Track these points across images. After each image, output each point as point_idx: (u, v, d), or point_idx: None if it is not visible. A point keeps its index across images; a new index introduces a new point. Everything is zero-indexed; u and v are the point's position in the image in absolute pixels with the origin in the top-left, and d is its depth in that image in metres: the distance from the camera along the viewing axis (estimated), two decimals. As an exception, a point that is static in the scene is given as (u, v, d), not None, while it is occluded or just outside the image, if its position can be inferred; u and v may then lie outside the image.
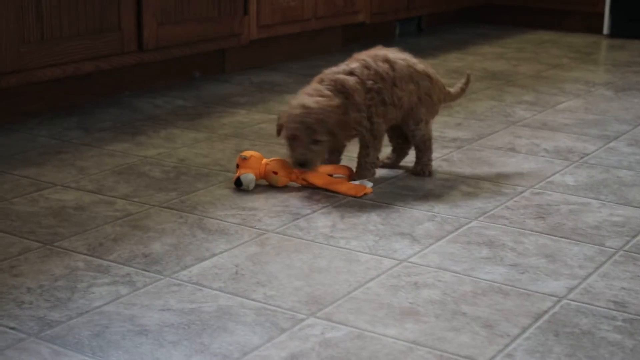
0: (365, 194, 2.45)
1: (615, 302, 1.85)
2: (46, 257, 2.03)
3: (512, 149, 2.93)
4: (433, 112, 2.64)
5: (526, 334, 1.71)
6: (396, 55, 2.56)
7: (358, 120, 2.45)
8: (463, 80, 2.77)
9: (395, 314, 1.78)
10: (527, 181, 2.60)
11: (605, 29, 5.25)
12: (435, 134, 3.04)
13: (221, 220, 2.27)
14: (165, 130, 3.10)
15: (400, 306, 1.82)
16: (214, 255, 2.06)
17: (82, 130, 3.07)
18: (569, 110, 3.47)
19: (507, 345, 1.67)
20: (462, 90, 2.76)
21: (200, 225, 2.23)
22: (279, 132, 2.50)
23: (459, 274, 1.98)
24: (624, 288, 1.92)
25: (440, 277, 1.96)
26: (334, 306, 1.82)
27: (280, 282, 1.92)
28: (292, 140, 2.41)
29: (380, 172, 2.64)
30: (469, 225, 2.26)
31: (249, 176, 2.47)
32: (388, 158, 2.70)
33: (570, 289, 1.91)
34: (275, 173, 2.49)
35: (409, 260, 2.05)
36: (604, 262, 2.05)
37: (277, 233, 2.19)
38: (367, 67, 2.49)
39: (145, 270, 1.97)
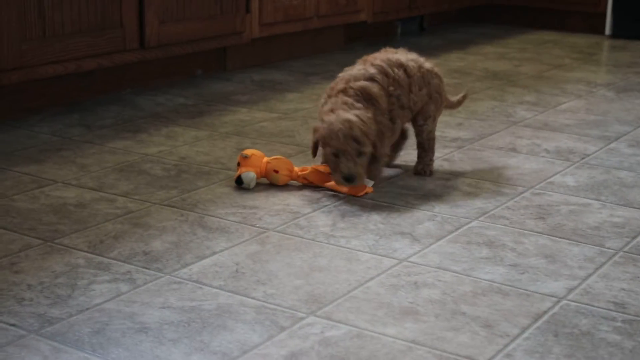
0: (366, 193, 2.45)
1: (615, 303, 1.85)
2: (47, 254, 2.03)
3: (513, 149, 2.93)
4: (440, 110, 2.67)
5: (525, 334, 1.72)
6: (407, 57, 2.57)
7: (384, 123, 2.46)
8: (462, 94, 2.80)
9: (395, 314, 1.79)
10: (527, 181, 2.61)
11: (607, 30, 5.25)
12: (436, 133, 3.04)
13: (222, 218, 2.27)
14: (166, 128, 3.10)
15: (400, 305, 1.82)
16: (214, 253, 2.06)
17: (84, 128, 3.07)
18: (570, 110, 3.47)
19: (506, 346, 1.67)
20: (459, 103, 2.81)
21: (200, 223, 2.23)
22: (314, 150, 2.45)
23: (459, 273, 1.98)
24: (623, 289, 1.92)
25: (440, 276, 1.96)
26: (333, 305, 1.82)
27: (281, 281, 1.92)
28: (338, 156, 2.37)
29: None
30: (469, 225, 2.26)
31: (249, 174, 2.47)
32: (387, 155, 2.70)
33: (570, 290, 1.91)
34: (276, 172, 2.49)
35: (409, 259, 2.05)
36: (604, 263, 2.05)
37: (278, 232, 2.19)
38: (385, 73, 2.49)
39: (146, 268, 1.97)
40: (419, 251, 2.09)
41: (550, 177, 2.66)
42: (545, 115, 3.38)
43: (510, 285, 1.92)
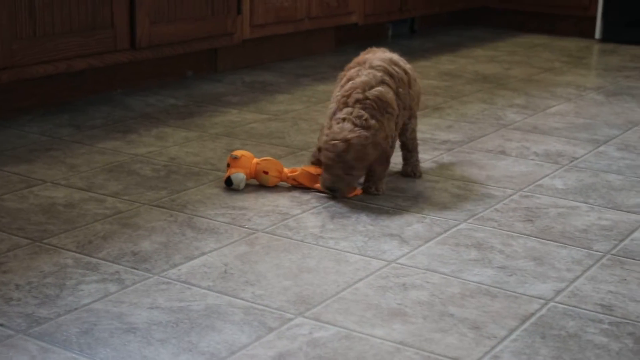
0: (355, 195, 2.46)
1: (602, 305, 1.86)
2: (35, 254, 2.03)
3: (502, 152, 2.94)
4: (418, 107, 2.69)
5: (513, 336, 1.72)
6: (395, 55, 2.58)
7: (394, 130, 2.46)
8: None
9: (383, 315, 1.79)
10: (516, 184, 2.62)
11: (597, 34, 5.27)
12: (425, 136, 3.05)
13: (211, 219, 2.27)
14: (156, 128, 3.10)
15: (388, 307, 1.82)
16: (203, 254, 2.06)
17: (73, 128, 3.07)
18: (560, 114, 3.48)
19: (494, 347, 1.68)
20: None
21: (190, 224, 2.23)
22: (315, 158, 2.46)
23: (447, 275, 1.98)
24: (610, 291, 1.93)
25: (429, 278, 1.97)
26: (322, 306, 1.82)
27: (269, 282, 1.92)
28: (328, 167, 2.38)
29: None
30: (458, 227, 2.27)
31: (239, 175, 2.47)
32: None
33: (558, 292, 1.92)
34: (266, 173, 2.49)
35: (398, 261, 2.05)
36: (592, 266, 2.06)
37: (267, 233, 2.20)
38: (390, 74, 2.49)
39: (134, 269, 1.97)
40: (408, 253, 2.10)
41: (539, 179, 2.67)
42: (535, 119, 3.39)
43: (499, 287, 1.93)
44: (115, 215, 2.28)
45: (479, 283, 1.95)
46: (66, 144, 2.89)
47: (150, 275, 1.94)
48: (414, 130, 2.64)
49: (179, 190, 2.48)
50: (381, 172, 2.44)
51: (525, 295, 1.90)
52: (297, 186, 2.51)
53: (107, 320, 1.73)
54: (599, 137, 3.15)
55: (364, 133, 2.35)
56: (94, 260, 2.01)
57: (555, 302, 1.87)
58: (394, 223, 2.28)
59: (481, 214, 2.36)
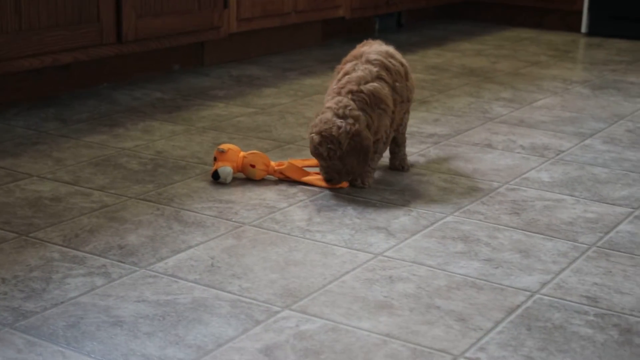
0: (341, 187, 2.46)
1: (588, 297, 1.87)
2: (21, 247, 2.03)
3: (489, 145, 2.95)
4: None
5: (499, 328, 1.73)
6: (391, 48, 2.59)
7: (387, 127, 2.46)
8: None
9: (370, 307, 1.80)
10: (502, 177, 2.62)
11: (584, 27, 5.28)
12: (412, 129, 3.06)
13: (198, 212, 2.27)
14: (143, 122, 3.09)
15: (374, 299, 1.83)
16: (189, 247, 2.06)
17: (60, 122, 3.06)
18: (546, 107, 3.49)
19: (480, 339, 1.69)
20: None
21: (176, 218, 2.23)
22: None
23: (434, 268, 1.99)
24: (596, 283, 1.94)
25: (415, 271, 1.97)
26: (309, 299, 1.82)
27: (256, 275, 1.93)
28: (315, 158, 2.43)
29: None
30: (445, 220, 2.28)
31: (226, 169, 2.47)
32: None
33: (544, 284, 1.93)
34: (253, 166, 2.49)
35: (384, 254, 2.06)
36: (577, 258, 2.07)
37: (254, 226, 2.20)
38: (386, 68, 2.48)
39: (121, 262, 1.97)
40: (394, 246, 2.11)
41: (525, 172, 2.68)
42: (521, 112, 3.40)
43: (485, 280, 1.94)
44: (101, 209, 2.27)
45: (465, 275, 1.96)
46: (52, 137, 2.88)
47: (137, 268, 1.94)
48: (405, 125, 2.64)
49: (165, 184, 2.47)
50: (356, 165, 2.39)
51: (511, 287, 1.91)
52: (284, 179, 2.51)
53: (93, 314, 1.73)
54: (584, 131, 3.17)
55: (338, 123, 2.36)
56: (80, 253, 2.01)
57: (541, 294, 1.88)
58: (381, 216, 2.29)
59: (467, 207, 2.37)
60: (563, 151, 2.91)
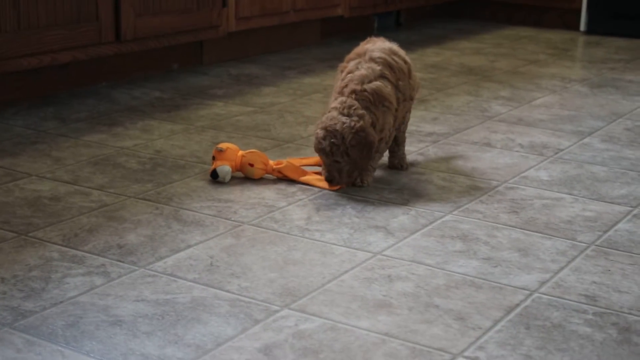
0: (340, 187, 2.46)
1: (586, 296, 1.87)
2: (21, 247, 2.03)
3: (488, 144, 2.95)
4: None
5: (498, 327, 1.73)
6: (394, 45, 2.58)
7: (392, 125, 2.46)
8: None
9: (369, 306, 1.80)
10: (501, 176, 2.63)
11: (582, 26, 5.28)
12: (411, 128, 3.06)
13: (197, 212, 2.27)
14: (142, 121, 3.09)
15: (373, 298, 1.83)
16: (189, 246, 2.06)
17: (59, 121, 3.06)
18: (545, 106, 3.50)
19: (478, 338, 1.69)
20: None
21: (175, 217, 2.23)
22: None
23: (433, 267, 1.99)
24: (594, 282, 1.94)
25: (414, 270, 1.97)
26: (307, 298, 1.83)
27: (255, 274, 1.93)
28: (320, 156, 2.43)
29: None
30: (443, 219, 2.28)
31: (225, 168, 2.48)
32: None
33: (542, 283, 1.93)
34: (252, 165, 2.49)
35: (383, 253, 2.06)
36: (576, 257, 2.07)
37: (253, 225, 2.20)
38: (390, 66, 2.48)
39: (120, 261, 1.97)
40: (393, 245, 2.11)
41: (524, 171, 2.68)
42: (520, 111, 3.40)
43: (483, 279, 1.94)
44: (100, 209, 2.28)
45: (464, 274, 1.96)
46: (51, 137, 2.88)
47: (136, 268, 1.94)
48: (406, 124, 2.65)
49: (164, 183, 2.47)
50: (361, 161, 2.40)
51: (509, 286, 1.91)
52: (283, 179, 2.52)
53: (92, 313, 1.73)
54: (583, 129, 3.17)
55: (342, 119, 2.36)
56: (79, 253, 2.01)
57: (540, 293, 1.88)
58: (380, 215, 2.29)
59: (466, 206, 2.37)
60: (562, 150, 2.91)
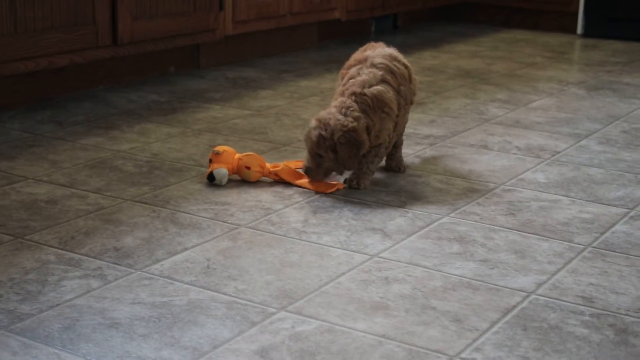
0: (337, 189, 2.46)
1: (583, 298, 1.87)
2: (17, 250, 2.03)
3: (485, 146, 2.95)
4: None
5: (495, 329, 1.73)
6: (394, 50, 2.59)
7: (391, 131, 2.46)
8: None
9: (366, 308, 1.80)
10: (498, 178, 2.63)
11: (579, 29, 5.29)
12: (408, 130, 3.06)
13: (193, 214, 2.27)
14: (139, 124, 3.09)
15: (370, 300, 1.83)
16: (185, 249, 2.06)
17: (55, 124, 3.06)
18: (542, 108, 3.50)
19: (475, 340, 1.69)
20: None
21: (172, 220, 2.23)
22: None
23: (430, 269, 1.99)
24: (591, 284, 1.94)
25: (411, 272, 1.97)
26: (304, 300, 1.82)
27: (252, 277, 1.93)
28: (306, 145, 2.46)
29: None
30: (440, 221, 2.28)
31: (221, 171, 2.47)
32: None
33: (539, 285, 1.93)
34: (248, 168, 2.49)
35: (380, 255, 2.06)
36: (573, 258, 2.07)
37: (249, 228, 2.20)
38: (391, 71, 2.49)
39: (117, 264, 1.97)
40: (390, 247, 2.11)
41: (521, 173, 2.68)
42: (517, 113, 3.40)
43: (480, 280, 1.94)
44: (97, 212, 2.27)
45: (460, 276, 1.96)
46: (48, 140, 2.88)
47: (133, 270, 1.94)
48: (404, 127, 2.65)
49: (161, 186, 2.47)
50: (347, 160, 2.39)
51: (506, 288, 1.91)
52: (279, 181, 2.51)
53: (89, 316, 1.73)
54: (580, 132, 3.17)
55: (338, 117, 2.37)
56: (76, 256, 2.00)
57: (537, 294, 1.88)
58: (377, 217, 2.29)
59: (463, 208, 2.37)
60: (559, 152, 2.91)
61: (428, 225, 2.25)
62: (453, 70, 4.17)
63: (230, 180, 2.52)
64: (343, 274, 1.95)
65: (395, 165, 2.66)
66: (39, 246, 2.05)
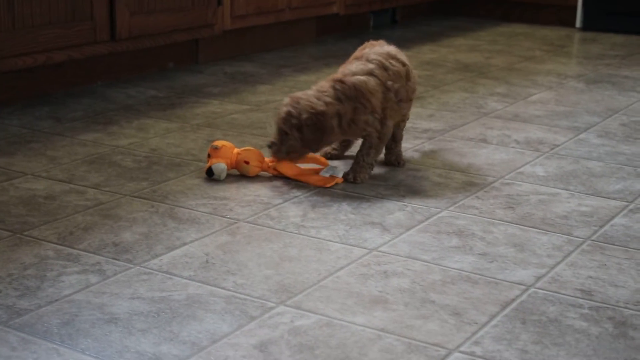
0: (335, 183, 2.46)
1: (582, 291, 1.87)
2: (16, 245, 2.02)
3: (484, 140, 2.95)
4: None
5: (494, 322, 1.73)
6: (394, 48, 2.58)
7: (370, 123, 2.45)
8: None
9: (365, 302, 1.79)
10: (497, 172, 2.62)
11: (578, 22, 5.29)
12: (407, 125, 3.05)
13: (192, 209, 2.27)
14: (137, 120, 3.09)
15: (369, 294, 1.83)
16: (184, 244, 2.06)
17: (54, 120, 3.06)
18: (541, 102, 3.50)
19: (474, 333, 1.69)
20: None
21: (171, 215, 2.23)
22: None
23: (429, 262, 1.99)
24: (590, 277, 1.94)
25: (410, 265, 1.97)
26: (303, 294, 1.82)
27: (251, 271, 1.92)
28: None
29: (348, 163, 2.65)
30: (439, 215, 2.28)
31: (220, 166, 2.47)
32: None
33: (538, 278, 1.93)
34: (247, 162, 2.49)
35: (379, 249, 2.06)
36: (572, 252, 2.07)
37: (248, 222, 2.20)
38: (384, 67, 2.49)
39: (116, 259, 1.97)
40: (389, 241, 2.10)
41: (520, 167, 2.68)
42: (516, 107, 3.40)
43: (479, 274, 1.94)
44: (96, 207, 2.27)
45: (459, 270, 1.96)
46: (46, 136, 2.87)
47: (132, 265, 1.94)
48: (405, 123, 2.66)
49: (160, 181, 2.47)
50: (311, 141, 2.40)
51: (505, 281, 1.91)
52: (278, 176, 2.51)
53: (88, 311, 1.73)
54: (579, 125, 3.17)
55: (311, 99, 2.39)
56: (74, 251, 2.00)
57: (536, 287, 1.88)
58: (376, 211, 2.29)
59: (462, 202, 2.37)
60: (558, 145, 2.91)
61: (427, 219, 2.25)
62: (452, 64, 4.17)
63: (228, 175, 2.51)
64: (342, 268, 1.95)
65: (394, 160, 2.65)
66: (37, 242, 2.05)
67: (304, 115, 2.37)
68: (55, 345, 1.60)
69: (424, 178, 2.56)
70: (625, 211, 2.33)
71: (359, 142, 2.59)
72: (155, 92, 3.48)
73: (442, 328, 1.70)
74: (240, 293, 1.82)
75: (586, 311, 1.78)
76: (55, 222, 2.16)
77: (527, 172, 2.63)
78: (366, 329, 1.69)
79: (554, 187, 2.50)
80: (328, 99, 2.39)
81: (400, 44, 4.67)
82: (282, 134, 2.41)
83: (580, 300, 1.83)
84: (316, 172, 2.50)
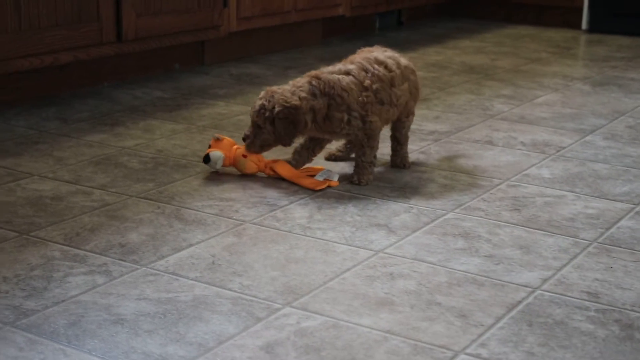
0: (328, 186, 2.45)
1: (589, 293, 1.87)
2: (22, 246, 2.03)
3: (490, 142, 2.95)
4: (416, 103, 2.69)
5: (500, 324, 1.73)
6: (384, 54, 2.57)
7: (344, 120, 2.44)
8: None
9: (371, 304, 1.80)
10: (503, 174, 2.62)
11: (584, 24, 5.28)
12: (413, 126, 3.05)
13: (198, 210, 2.27)
14: (143, 121, 3.09)
15: (375, 296, 1.83)
16: (190, 245, 2.06)
17: (60, 121, 3.06)
18: (547, 104, 3.49)
19: (481, 335, 1.69)
20: None
21: (177, 216, 2.23)
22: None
23: (435, 264, 1.99)
24: (597, 279, 1.94)
25: (416, 267, 1.97)
26: (309, 296, 1.82)
27: (257, 272, 1.93)
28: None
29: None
30: (445, 216, 2.28)
31: (217, 153, 2.50)
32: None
33: (544, 280, 1.93)
34: (245, 156, 2.50)
35: (385, 251, 2.06)
36: (578, 254, 2.07)
37: (254, 224, 2.20)
38: (364, 69, 2.49)
39: (122, 260, 1.97)
40: (395, 242, 2.10)
41: (526, 169, 2.68)
42: (522, 109, 3.40)
43: (485, 276, 1.94)
44: (102, 208, 2.28)
45: (465, 272, 1.96)
46: (53, 137, 2.88)
47: (138, 266, 1.94)
48: (409, 127, 2.66)
49: (166, 183, 2.47)
50: (282, 134, 2.40)
51: (512, 283, 1.91)
52: (274, 177, 2.51)
53: (94, 312, 1.73)
54: (585, 127, 3.16)
55: (286, 93, 2.41)
56: (81, 252, 2.01)
57: (542, 290, 1.88)
58: (382, 213, 2.29)
59: (468, 204, 2.37)
60: (564, 147, 2.91)
61: (433, 220, 2.25)
62: (457, 66, 4.17)
63: (234, 177, 2.52)
64: (348, 269, 1.95)
65: (400, 162, 2.66)
66: (44, 242, 2.05)
67: (277, 109, 2.39)
68: (61, 346, 1.61)
69: (430, 180, 2.56)
70: (631, 213, 2.33)
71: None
72: (161, 93, 3.49)
73: (448, 330, 1.70)
74: (246, 294, 1.82)
75: (592, 314, 1.78)
76: (62, 223, 2.17)
77: (533, 174, 2.63)
78: (372, 330, 1.69)
79: (560, 190, 2.50)
80: (303, 94, 2.41)
81: (405, 45, 4.68)
82: (256, 127, 2.44)
83: (587, 303, 1.83)
84: (312, 174, 2.50)
